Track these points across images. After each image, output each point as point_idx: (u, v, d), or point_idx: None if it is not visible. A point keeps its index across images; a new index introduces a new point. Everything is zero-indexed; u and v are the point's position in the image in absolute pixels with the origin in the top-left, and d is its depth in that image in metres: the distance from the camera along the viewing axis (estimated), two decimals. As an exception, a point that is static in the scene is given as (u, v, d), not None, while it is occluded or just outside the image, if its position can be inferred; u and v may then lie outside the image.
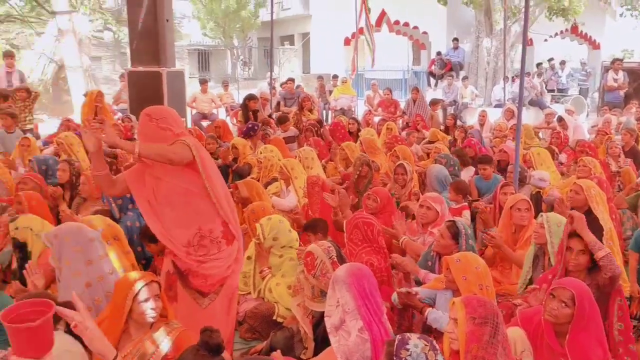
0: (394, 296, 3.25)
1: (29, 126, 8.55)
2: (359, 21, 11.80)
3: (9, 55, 9.92)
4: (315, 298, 3.15)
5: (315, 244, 3.28)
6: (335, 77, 14.63)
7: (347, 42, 19.30)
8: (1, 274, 4.15)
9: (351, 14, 12.83)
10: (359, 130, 8.91)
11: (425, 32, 19.17)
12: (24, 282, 3.70)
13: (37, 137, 8.36)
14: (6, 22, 21.28)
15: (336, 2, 20.65)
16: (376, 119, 10.74)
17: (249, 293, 4.02)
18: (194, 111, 11.70)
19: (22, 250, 3.84)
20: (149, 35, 7.62)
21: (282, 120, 8.71)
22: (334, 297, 2.73)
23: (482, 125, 9.96)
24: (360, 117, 11.26)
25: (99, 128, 2.74)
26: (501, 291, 3.73)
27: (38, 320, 1.64)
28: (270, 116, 9.50)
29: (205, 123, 11.19)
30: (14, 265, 4.03)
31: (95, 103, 8.63)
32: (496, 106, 13.78)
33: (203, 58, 25.61)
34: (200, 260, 2.92)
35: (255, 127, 7.58)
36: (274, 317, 3.71)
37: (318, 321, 3.10)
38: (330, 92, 13.76)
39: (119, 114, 9.71)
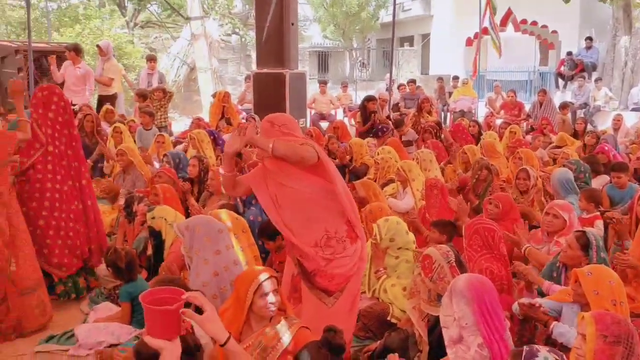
0: (515, 306, 3.12)
1: (163, 124, 9.23)
2: (483, 21, 11.43)
3: (151, 58, 10.77)
4: (431, 302, 3.10)
5: (434, 247, 3.24)
6: (455, 78, 14.29)
7: (469, 42, 18.76)
8: (137, 259, 4.54)
9: (474, 14, 12.47)
10: (479, 133, 8.64)
11: (554, 31, 18.09)
12: (157, 268, 4.03)
13: (170, 134, 9.02)
14: (146, 28, 23.15)
15: (458, 2, 20.16)
16: (498, 122, 10.35)
17: (364, 292, 4.06)
18: (313, 111, 11.99)
19: (156, 238, 4.18)
20: (274, 38, 7.92)
21: (398, 124, 8.68)
22: (450, 308, 2.64)
23: (616, 129, 9.24)
24: (480, 120, 10.91)
25: (244, 131, 2.87)
26: (636, 309, 3.44)
27: (174, 304, 1.75)
28: (388, 117, 9.49)
29: (323, 123, 11.44)
30: (150, 251, 4.39)
31: (222, 103, 9.17)
32: (633, 109, 12.72)
33: (322, 59, 26.13)
34: (328, 258, 2.95)
35: (385, 129, 7.63)
36: (389, 318, 3.70)
37: (433, 325, 3.05)
38: (450, 93, 13.46)
39: (244, 114, 10.21)
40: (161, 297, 1.80)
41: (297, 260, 3.06)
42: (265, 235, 4.04)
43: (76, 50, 8.83)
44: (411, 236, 3.90)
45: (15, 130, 3.87)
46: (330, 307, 3.03)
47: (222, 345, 2.08)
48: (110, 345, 3.35)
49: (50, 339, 3.61)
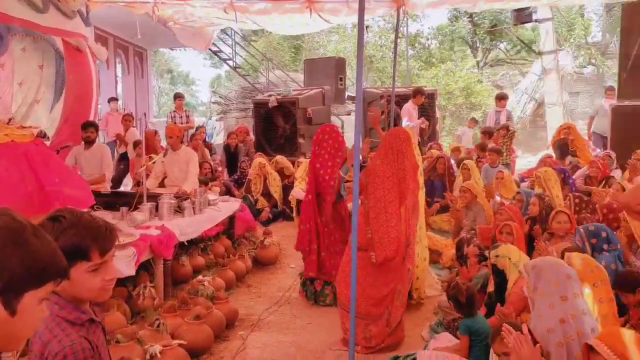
0: None
1: (506, 161, 9.18)
2: None
3: (502, 97, 10.86)
4: None
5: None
6: None
7: None
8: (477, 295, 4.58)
9: None
10: None
11: None
12: (501, 305, 3.99)
13: (512, 172, 8.94)
14: (495, 66, 23.51)
15: None
16: None
17: None
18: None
19: (499, 276, 4.15)
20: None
21: None
22: None
23: None
24: None
25: None
26: None
27: None
28: None
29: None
30: (490, 288, 4.39)
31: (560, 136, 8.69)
32: None
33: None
34: None
35: None
36: None
37: None
38: None
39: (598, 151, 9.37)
40: None
41: None
42: (623, 287, 3.59)
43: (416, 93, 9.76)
44: None
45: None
46: None
47: None
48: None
49: (395, 358, 3.93)
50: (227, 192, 8.13)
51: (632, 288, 3.50)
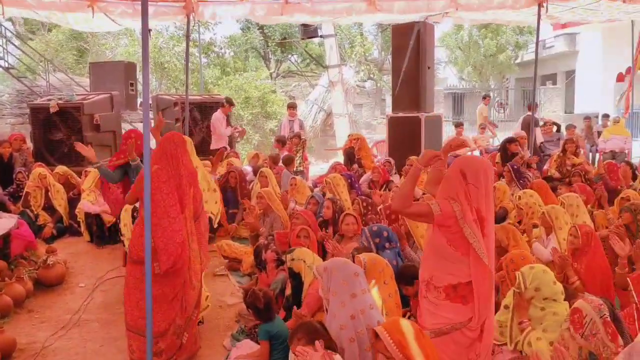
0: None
1: (299, 168, 9.63)
2: (638, 55, 10.59)
3: (292, 106, 11.39)
4: (582, 360, 2.85)
5: (584, 301, 2.99)
6: (606, 116, 13.31)
7: (620, 78, 17.46)
8: (275, 300, 4.70)
9: (625, 47, 11.62)
10: (634, 175, 7.90)
11: None
12: (297, 306, 4.14)
13: (307, 178, 9.40)
14: (287, 77, 24.57)
15: (607, 35, 18.93)
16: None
17: (505, 344, 3.82)
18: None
19: (295, 279, 4.31)
20: (410, 82, 8.00)
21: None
22: None
23: None
24: (635, 161, 9.98)
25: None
26: None
27: None
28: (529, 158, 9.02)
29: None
30: (288, 291, 4.54)
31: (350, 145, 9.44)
32: None
33: (457, 101, 25.76)
34: None
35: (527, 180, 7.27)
36: (533, 375, 3.44)
37: (585, 387, 2.79)
38: (599, 133, 12.54)
39: (379, 157, 10.33)
40: None
41: None
42: (404, 280, 3.99)
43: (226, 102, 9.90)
44: (559, 286, 3.63)
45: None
46: None
47: None
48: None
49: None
50: (1, 207, 7.17)
51: (410, 280, 3.91)
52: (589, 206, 6.34)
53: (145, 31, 3.34)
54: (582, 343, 2.86)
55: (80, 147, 5.21)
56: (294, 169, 8.75)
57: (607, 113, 13.84)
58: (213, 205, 5.80)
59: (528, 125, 10.01)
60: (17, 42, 17.15)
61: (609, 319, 2.86)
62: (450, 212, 2.83)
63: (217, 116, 9.79)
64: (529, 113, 11.60)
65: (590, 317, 2.87)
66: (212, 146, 9.92)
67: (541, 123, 11.38)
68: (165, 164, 3.85)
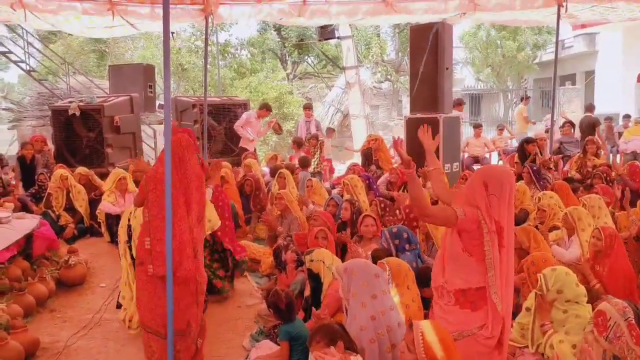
0: None
1: (317, 169, 9.64)
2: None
3: (308, 107, 11.43)
4: (607, 363, 2.82)
5: (608, 303, 2.96)
6: (627, 117, 13.13)
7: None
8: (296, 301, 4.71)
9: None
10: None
11: None
12: (316, 308, 4.14)
13: (325, 179, 9.41)
14: (304, 79, 24.63)
15: (628, 35, 18.69)
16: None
17: (527, 346, 3.79)
18: (466, 154, 11.70)
19: (314, 280, 4.31)
20: (428, 83, 7.94)
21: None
22: None
23: None
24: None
25: None
26: None
27: None
28: (549, 159, 8.95)
29: (476, 167, 11.09)
30: (307, 292, 4.54)
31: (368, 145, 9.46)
32: None
33: (475, 102, 25.58)
34: None
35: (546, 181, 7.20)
36: (555, 378, 3.40)
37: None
38: (620, 134, 12.39)
39: (396, 158, 10.29)
40: None
41: None
42: (423, 282, 3.97)
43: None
44: (582, 289, 3.59)
45: None
46: None
47: None
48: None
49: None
50: (23, 208, 7.28)
51: (429, 283, 3.89)
52: (610, 207, 6.26)
53: (167, 35, 3.38)
54: (606, 346, 2.84)
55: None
56: (311, 170, 8.75)
57: (629, 114, 13.64)
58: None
59: (589, 126, 10.46)
60: (38, 46, 17.38)
61: (633, 321, 2.83)
62: (475, 217, 2.81)
63: (251, 121, 10.09)
64: (588, 113, 11.60)
65: (615, 319, 2.84)
66: (241, 144, 10.19)
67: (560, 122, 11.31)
68: (173, 168, 3.77)
